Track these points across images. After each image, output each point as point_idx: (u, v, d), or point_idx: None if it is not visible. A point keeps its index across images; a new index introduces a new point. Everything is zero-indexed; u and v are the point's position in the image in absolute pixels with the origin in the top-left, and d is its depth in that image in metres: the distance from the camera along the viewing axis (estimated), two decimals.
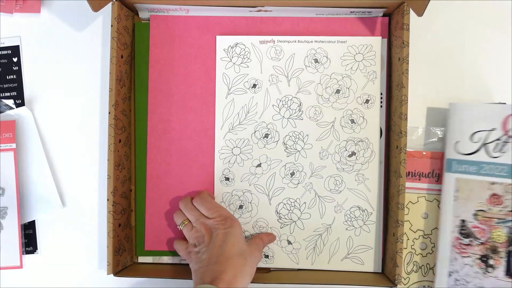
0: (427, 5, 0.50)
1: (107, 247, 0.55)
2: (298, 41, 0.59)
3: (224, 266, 0.49)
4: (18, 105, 0.63)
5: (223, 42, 0.60)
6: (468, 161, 0.56)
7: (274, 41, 0.59)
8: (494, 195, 0.55)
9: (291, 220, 0.59)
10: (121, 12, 0.56)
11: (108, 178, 0.55)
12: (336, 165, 0.59)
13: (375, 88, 0.59)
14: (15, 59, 0.63)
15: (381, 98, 0.59)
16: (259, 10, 0.58)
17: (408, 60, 0.54)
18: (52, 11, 0.63)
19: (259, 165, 0.60)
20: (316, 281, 0.57)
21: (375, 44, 0.59)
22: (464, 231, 0.56)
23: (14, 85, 0.63)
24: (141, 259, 0.61)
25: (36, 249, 0.62)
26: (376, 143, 0.59)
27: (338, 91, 0.59)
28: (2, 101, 0.62)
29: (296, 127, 0.59)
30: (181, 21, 0.60)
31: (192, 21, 0.60)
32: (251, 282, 0.55)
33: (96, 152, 0.63)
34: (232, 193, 0.60)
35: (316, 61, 0.59)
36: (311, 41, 0.59)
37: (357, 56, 0.59)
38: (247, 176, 0.60)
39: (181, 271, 0.59)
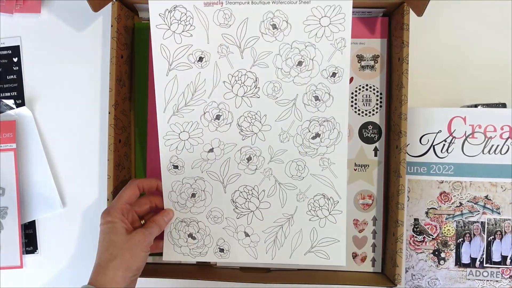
0: (427, 5, 0.50)
1: None
2: (252, 2, 0.50)
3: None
4: (18, 105, 0.63)
5: (158, 5, 0.50)
6: (418, 163, 0.59)
7: (222, 3, 0.50)
8: (443, 193, 0.59)
9: (249, 210, 0.54)
10: (121, 12, 0.56)
11: (108, 178, 0.55)
12: (298, 148, 0.53)
13: (344, 59, 0.51)
14: (15, 59, 0.63)
15: (381, 97, 0.59)
16: None
17: (408, 60, 0.54)
18: (52, 11, 0.63)
19: (211, 150, 0.53)
20: (316, 281, 0.57)
21: (344, 5, 0.51)
22: (417, 229, 0.59)
23: (14, 85, 0.63)
24: None
25: (36, 249, 0.63)
26: (344, 123, 0.53)
27: (300, 63, 0.52)
28: (2, 101, 0.63)
29: (252, 106, 0.53)
30: None
31: None
32: (249, 282, 0.56)
33: (96, 152, 0.63)
34: (183, 181, 0.54)
35: (274, 27, 0.51)
36: (268, 2, 0.50)
37: (323, 20, 0.51)
38: (199, 162, 0.54)
39: (181, 271, 0.59)
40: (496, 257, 0.59)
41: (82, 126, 0.63)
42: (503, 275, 0.59)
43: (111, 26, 0.55)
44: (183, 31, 0.51)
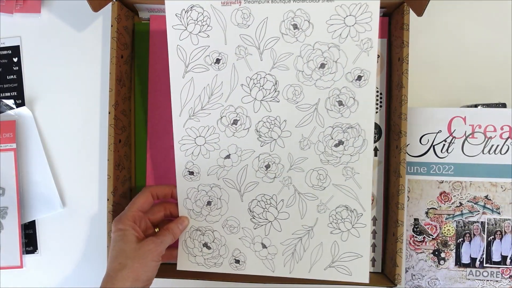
0: (427, 5, 0.50)
1: (107, 247, 0.55)
2: (272, 0, 0.48)
3: None
4: (18, 105, 0.63)
5: (174, 5, 0.48)
6: (418, 163, 0.59)
7: (240, 2, 0.48)
8: (443, 193, 0.58)
9: (267, 220, 0.52)
10: (121, 12, 0.56)
11: (108, 178, 0.55)
12: (320, 156, 0.50)
13: (370, 61, 0.48)
14: (15, 59, 0.63)
15: (381, 97, 0.58)
16: None
17: (408, 60, 0.54)
18: (52, 11, 0.63)
19: (227, 157, 0.51)
20: (315, 281, 0.57)
21: (371, 3, 0.47)
22: (417, 229, 0.59)
23: (15, 85, 0.63)
24: None
25: (36, 249, 0.63)
26: (369, 130, 0.49)
27: (323, 66, 0.49)
28: (2, 101, 0.63)
29: (271, 111, 0.50)
30: None
31: None
32: (249, 282, 0.56)
33: (96, 152, 0.63)
34: (199, 188, 0.52)
35: (295, 27, 0.48)
36: (288, 1, 0.47)
37: (348, 19, 0.48)
38: (215, 169, 0.51)
39: (181, 270, 0.59)
40: (496, 257, 0.59)
41: (82, 126, 0.63)
42: (503, 275, 0.59)
43: (111, 26, 0.55)
44: (200, 32, 0.49)
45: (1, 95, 0.63)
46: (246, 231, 0.52)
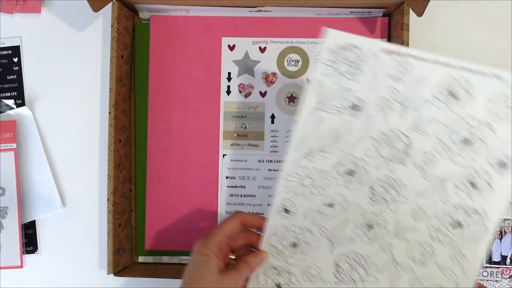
0: (427, 5, 0.50)
1: (107, 247, 0.55)
2: (437, 62, 0.45)
3: None
4: (18, 105, 0.63)
5: (334, 39, 0.45)
6: None
7: (402, 55, 0.45)
8: None
9: (351, 279, 0.47)
10: (121, 12, 0.56)
11: (108, 178, 0.55)
12: (432, 232, 0.46)
13: None
14: (15, 59, 0.63)
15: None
16: (259, 11, 0.58)
17: None
18: (53, 11, 0.63)
19: (331, 205, 0.47)
20: None
21: None
22: None
23: (15, 85, 0.63)
24: (141, 259, 0.61)
25: (37, 249, 0.63)
26: (495, 222, 0.45)
27: (466, 141, 0.45)
28: (2, 101, 0.63)
29: (393, 172, 0.46)
30: (181, 21, 0.60)
31: (192, 21, 0.60)
32: None
33: (96, 152, 0.63)
34: (289, 228, 0.49)
35: (450, 93, 0.45)
36: (454, 66, 0.45)
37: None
38: (313, 213, 0.48)
39: (181, 271, 0.59)
40: (496, 257, 0.59)
41: (82, 126, 0.63)
42: (503, 275, 0.59)
43: (111, 26, 0.55)
44: (348, 73, 0.45)
45: (1, 95, 0.63)
46: (326, 283, 0.48)
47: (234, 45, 0.61)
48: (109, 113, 0.55)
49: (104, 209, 0.58)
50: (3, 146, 0.61)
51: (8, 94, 0.63)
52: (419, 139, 0.45)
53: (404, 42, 0.54)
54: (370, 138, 0.46)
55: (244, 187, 0.61)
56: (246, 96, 0.61)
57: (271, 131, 0.61)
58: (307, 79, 0.60)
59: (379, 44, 0.45)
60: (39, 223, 0.63)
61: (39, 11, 0.63)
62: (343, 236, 0.47)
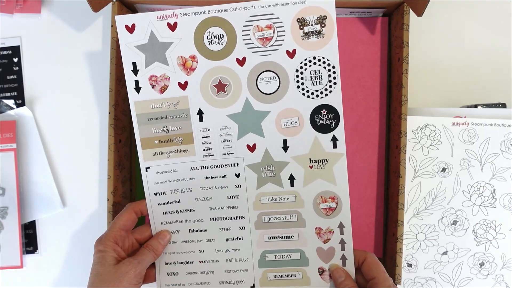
0: (427, 5, 0.50)
1: None
2: (495, 124, 0.57)
3: None
4: (18, 105, 0.63)
5: (413, 122, 0.57)
6: None
7: (467, 124, 0.57)
8: None
9: None
10: (121, 12, 0.56)
11: (108, 178, 0.55)
12: None
13: None
14: (15, 59, 0.63)
15: (334, 72, 0.50)
16: None
17: (408, 60, 0.54)
18: (53, 11, 0.63)
19: (445, 253, 0.58)
20: None
21: None
22: None
23: (15, 85, 0.63)
24: None
25: (37, 249, 0.63)
26: None
27: None
28: (2, 101, 0.63)
29: (488, 215, 0.57)
30: None
31: None
32: None
33: (96, 152, 0.63)
34: (415, 280, 0.58)
35: None
36: (508, 125, 0.57)
37: None
38: (432, 263, 0.58)
39: None
40: None
41: (82, 126, 0.63)
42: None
43: (111, 26, 0.55)
44: (430, 145, 0.57)
45: (1, 95, 0.63)
46: None
47: (133, 25, 0.49)
48: (109, 113, 0.55)
49: (104, 209, 0.58)
50: (3, 146, 0.61)
51: (8, 94, 0.63)
52: (500, 185, 0.57)
53: (404, 42, 0.54)
54: (462, 192, 0.57)
55: (179, 201, 0.53)
56: (162, 90, 0.51)
57: (201, 130, 0.51)
58: (237, 59, 0.49)
59: (449, 120, 0.57)
60: (39, 223, 0.63)
61: (39, 11, 0.63)
62: (461, 277, 0.58)
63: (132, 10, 0.59)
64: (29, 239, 0.62)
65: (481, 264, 0.57)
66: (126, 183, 0.59)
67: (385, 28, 0.59)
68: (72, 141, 0.63)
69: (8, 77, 0.63)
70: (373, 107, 0.58)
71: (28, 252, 0.62)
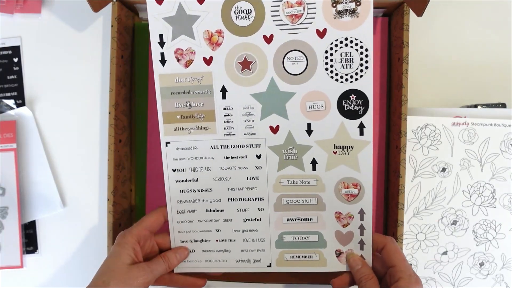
0: (427, 5, 0.50)
1: (107, 247, 0.55)
2: (495, 124, 0.56)
3: None
4: (18, 105, 0.63)
5: (413, 122, 0.57)
6: None
7: (467, 124, 0.56)
8: None
9: None
10: (121, 12, 0.56)
11: (108, 178, 0.55)
12: None
13: None
14: (15, 59, 0.63)
15: (367, 55, 0.55)
16: None
17: (407, 60, 0.54)
18: (53, 11, 0.63)
19: (445, 253, 0.58)
20: (315, 281, 0.57)
21: None
22: None
23: (15, 85, 0.63)
24: None
25: (37, 249, 0.63)
26: None
27: None
28: (2, 101, 0.63)
29: (487, 215, 0.57)
30: None
31: None
32: (249, 281, 0.56)
33: (96, 152, 0.63)
34: None
35: None
36: (508, 125, 0.56)
37: None
38: (431, 263, 0.58)
39: None
40: None
41: (82, 126, 0.63)
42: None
43: (111, 26, 0.55)
44: (430, 145, 0.56)
45: (1, 95, 0.63)
46: None
47: None
48: (109, 113, 0.55)
49: (104, 209, 0.58)
50: (3, 146, 0.61)
51: (8, 94, 0.63)
52: (499, 185, 0.57)
53: (404, 42, 0.54)
54: (462, 192, 0.57)
55: (197, 180, 0.52)
56: (187, 65, 0.50)
57: (223, 108, 0.50)
58: (264, 36, 0.48)
59: (449, 120, 0.56)
60: (39, 223, 0.63)
61: (39, 11, 0.63)
62: (461, 277, 0.57)
63: (132, 10, 0.59)
64: (29, 239, 0.62)
65: (481, 264, 0.57)
66: (126, 183, 0.59)
67: (385, 28, 0.59)
68: (72, 141, 0.63)
69: (8, 77, 0.63)
70: (373, 107, 0.58)
71: (28, 252, 0.62)
